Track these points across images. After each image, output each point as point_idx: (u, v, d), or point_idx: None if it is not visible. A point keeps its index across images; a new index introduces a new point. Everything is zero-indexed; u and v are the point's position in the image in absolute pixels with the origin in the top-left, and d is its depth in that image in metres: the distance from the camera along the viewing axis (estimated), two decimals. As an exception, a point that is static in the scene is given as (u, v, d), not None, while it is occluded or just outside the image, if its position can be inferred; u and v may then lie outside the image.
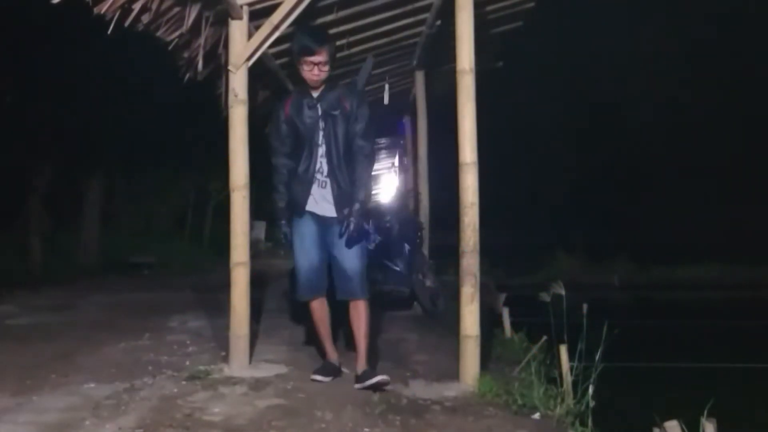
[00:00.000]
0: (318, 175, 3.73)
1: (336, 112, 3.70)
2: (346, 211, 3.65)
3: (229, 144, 4.06)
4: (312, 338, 4.40)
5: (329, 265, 3.81)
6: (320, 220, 3.76)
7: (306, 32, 3.80)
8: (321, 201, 3.74)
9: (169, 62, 4.87)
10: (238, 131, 4.04)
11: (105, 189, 12.93)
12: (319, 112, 3.72)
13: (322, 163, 3.73)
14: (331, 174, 3.71)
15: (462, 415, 3.30)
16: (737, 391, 5.68)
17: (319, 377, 3.81)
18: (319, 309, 3.83)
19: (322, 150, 3.72)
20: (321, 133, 3.71)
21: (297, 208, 3.78)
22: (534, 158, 23.81)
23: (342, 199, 3.70)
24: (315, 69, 3.66)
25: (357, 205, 3.64)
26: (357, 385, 3.68)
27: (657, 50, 21.39)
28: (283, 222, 3.84)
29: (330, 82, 3.81)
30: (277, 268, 10.87)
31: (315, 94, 3.76)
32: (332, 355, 3.94)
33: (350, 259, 3.71)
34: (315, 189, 3.74)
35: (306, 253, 3.77)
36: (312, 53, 3.63)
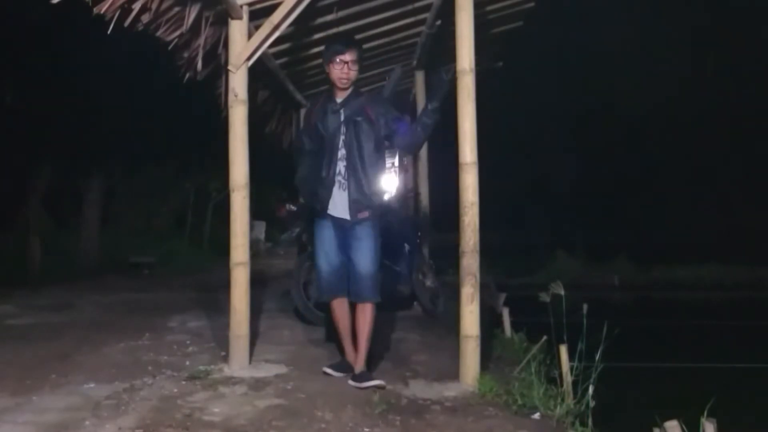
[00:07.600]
0: (339, 178, 3.82)
1: (359, 118, 3.80)
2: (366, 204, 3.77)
3: (229, 144, 4.07)
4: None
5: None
6: (338, 223, 3.84)
7: (335, 39, 4.16)
8: (339, 204, 3.82)
9: (169, 62, 4.87)
10: (238, 131, 4.05)
11: (105, 189, 12.92)
12: (342, 118, 3.82)
13: (341, 166, 3.82)
14: (350, 177, 3.79)
15: (462, 415, 3.30)
16: (737, 391, 5.67)
17: (330, 371, 3.91)
18: (339, 309, 3.90)
19: (341, 153, 3.81)
20: (342, 138, 3.81)
21: (318, 210, 3.88)
22: (534, 158, 23.78)
23: (357, 202, 3.78)
24: (345, 67, 3.79)
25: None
26: (351, 382, 3.74)
27: (657, 50, 21.37)
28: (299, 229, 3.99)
29: (356, 90, 3.92)
30: (277, 268, 10.89)
31: (339, 99, 3.87)
32: (351, 354, 3.94)
33: (363, 261, 3.79)
34: (336, 191, 3.82)
35: (326, 255, 3.89)
36: (342, 52, 3.80)
